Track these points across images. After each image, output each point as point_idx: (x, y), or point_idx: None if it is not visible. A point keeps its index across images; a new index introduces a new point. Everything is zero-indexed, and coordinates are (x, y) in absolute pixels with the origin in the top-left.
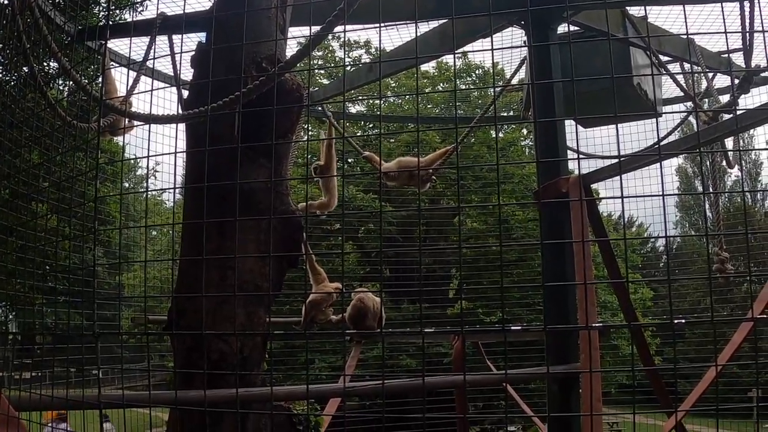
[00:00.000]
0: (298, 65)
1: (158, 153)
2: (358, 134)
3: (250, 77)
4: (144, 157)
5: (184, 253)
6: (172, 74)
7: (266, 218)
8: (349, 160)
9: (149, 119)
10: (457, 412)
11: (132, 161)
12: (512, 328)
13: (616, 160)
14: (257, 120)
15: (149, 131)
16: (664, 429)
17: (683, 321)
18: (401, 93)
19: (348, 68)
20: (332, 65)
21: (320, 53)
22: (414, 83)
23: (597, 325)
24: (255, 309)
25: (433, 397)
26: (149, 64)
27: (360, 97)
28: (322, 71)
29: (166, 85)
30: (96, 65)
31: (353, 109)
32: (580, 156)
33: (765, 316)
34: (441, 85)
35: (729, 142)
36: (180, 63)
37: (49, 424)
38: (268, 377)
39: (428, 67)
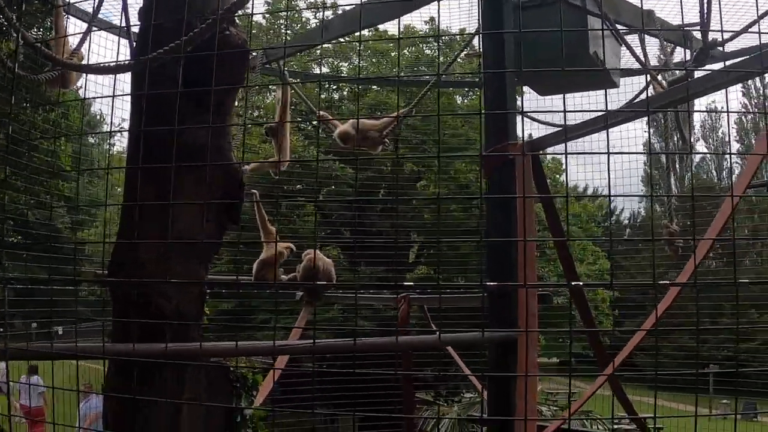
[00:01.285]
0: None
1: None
2: (323, 96)
3: (191, 31)
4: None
5: (125, 207)
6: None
7: (203, 165)
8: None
9: (86, 69)
10: (404, 371)
11: (98, 118)
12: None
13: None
14: (201, 75)
15: (113, 87)
16: (585, 393)
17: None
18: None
19: (298, 27)
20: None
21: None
22: (380, 46)
23: (534, 284)
24: (193, 265)
25: (389, 360)
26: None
27: (324, 58)
28: (289, 31)
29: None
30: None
31: (317, 70)
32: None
33: (692, 281)
34: (407, 49)
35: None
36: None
37: (22, 377)
38: (211, 334)
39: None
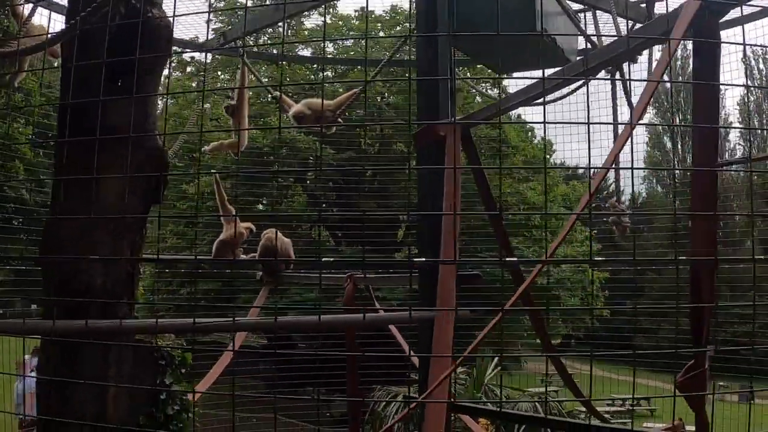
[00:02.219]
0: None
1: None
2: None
3: (117, 15)
4: None
5: (54, 187)
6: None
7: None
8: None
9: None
10: (347, 351)
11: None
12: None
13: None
14: (123, 56)
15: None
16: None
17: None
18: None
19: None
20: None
21: None
22: (362, 25)
23: (460, 260)
24: (119, 242)
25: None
26: None
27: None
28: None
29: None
30: None
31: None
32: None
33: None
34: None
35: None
36: None
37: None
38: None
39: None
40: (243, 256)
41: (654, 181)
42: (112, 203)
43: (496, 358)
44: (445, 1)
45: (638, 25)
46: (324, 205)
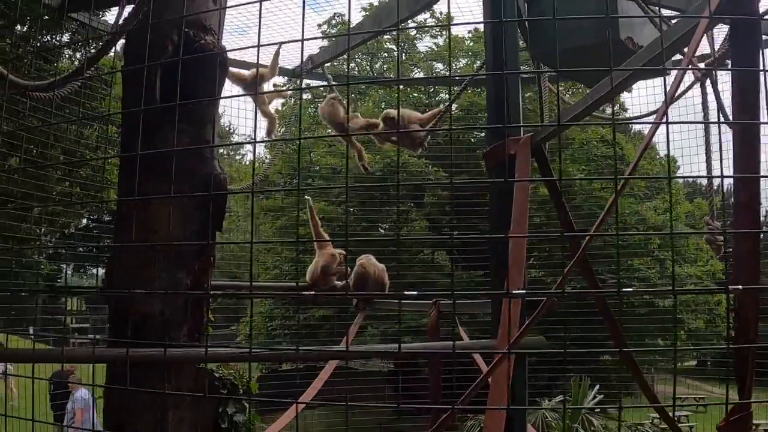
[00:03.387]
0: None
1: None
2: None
3: (170, 43)
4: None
5: (116, 219)
6: None
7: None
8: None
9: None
10: (430, 380)
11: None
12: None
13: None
14: (181, 85)
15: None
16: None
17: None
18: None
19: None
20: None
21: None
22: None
23: (518, 292)
24: (176, 272)
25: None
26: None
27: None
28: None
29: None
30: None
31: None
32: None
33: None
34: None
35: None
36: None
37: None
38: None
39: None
40: (338, 283)
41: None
42: (169, 233)
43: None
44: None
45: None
46: (447, 229)
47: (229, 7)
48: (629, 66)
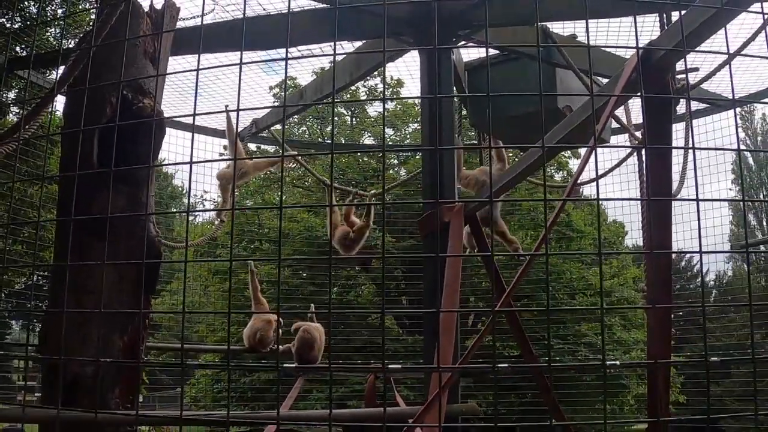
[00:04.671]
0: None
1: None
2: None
3: (108, 105)
4: None
5: (51, 278)
6: None
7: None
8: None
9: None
10: None
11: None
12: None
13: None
14: (118, 147)
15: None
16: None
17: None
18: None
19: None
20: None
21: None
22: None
23: (447, 367)
24: (110, 333)
25: None
26: None
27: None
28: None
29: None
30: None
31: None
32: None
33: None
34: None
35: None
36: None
37: None
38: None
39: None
40: (279, 346)
41: (739, 259)
42: (104, 294)
43: None
44: (450, 85)
45: None
46: (395, 294)
47: (168, 74)
48: (558, 131)
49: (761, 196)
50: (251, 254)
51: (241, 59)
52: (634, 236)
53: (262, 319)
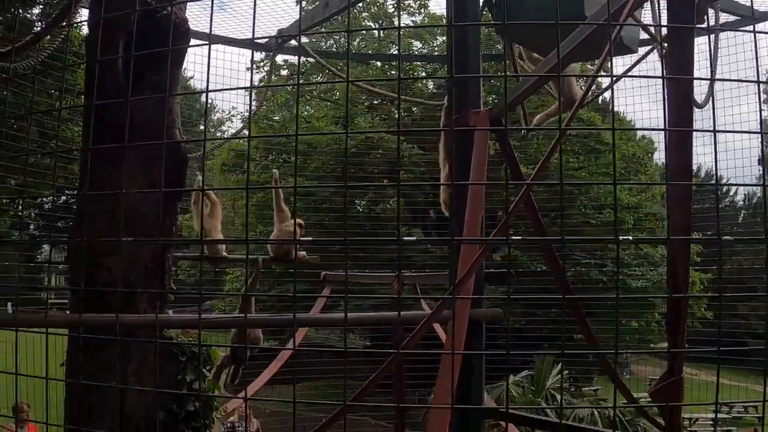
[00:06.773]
0: None
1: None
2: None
3: (133, 14)
4: None
5: (80, 184)
6: None
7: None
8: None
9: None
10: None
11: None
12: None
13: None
14: (144, 54)
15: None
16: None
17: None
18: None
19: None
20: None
21: None
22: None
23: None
24: (137, 240)
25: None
26: None
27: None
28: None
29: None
30: None
31: (324, 45)
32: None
33: None
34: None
35: None
36: None
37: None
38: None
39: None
40: (302, 254)
41: None
42: (134, 201)
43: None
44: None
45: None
46: (423, 205)
47: None
48: (577, 34)
49: None
50: (280, 166)
51: None
52: (663, 155)
53: (285, 229)
